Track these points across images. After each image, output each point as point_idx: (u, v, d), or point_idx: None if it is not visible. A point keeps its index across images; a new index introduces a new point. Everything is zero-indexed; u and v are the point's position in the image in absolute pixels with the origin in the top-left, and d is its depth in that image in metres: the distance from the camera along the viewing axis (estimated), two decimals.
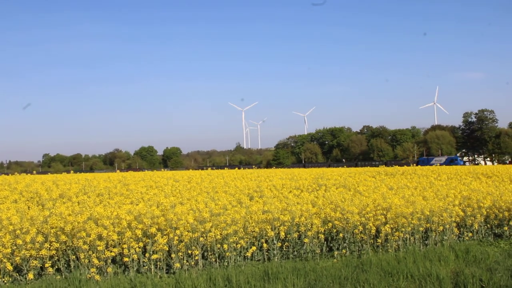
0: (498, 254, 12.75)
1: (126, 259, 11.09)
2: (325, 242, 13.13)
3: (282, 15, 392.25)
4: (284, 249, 12.63)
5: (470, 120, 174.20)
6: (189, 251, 11.48)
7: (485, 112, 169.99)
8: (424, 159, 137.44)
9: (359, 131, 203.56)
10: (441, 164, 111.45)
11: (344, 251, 12.74)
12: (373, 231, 12.85)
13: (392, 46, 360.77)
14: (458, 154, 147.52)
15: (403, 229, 12.97)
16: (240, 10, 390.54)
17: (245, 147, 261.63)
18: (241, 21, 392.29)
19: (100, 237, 11.13)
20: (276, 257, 12.37)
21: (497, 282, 10.26)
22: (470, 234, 14.48)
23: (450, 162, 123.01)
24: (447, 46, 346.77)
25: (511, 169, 34.44)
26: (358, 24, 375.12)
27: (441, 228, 13.69)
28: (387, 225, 12.79)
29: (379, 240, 12.94)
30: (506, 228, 14.86)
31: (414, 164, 41.01)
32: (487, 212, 15.02)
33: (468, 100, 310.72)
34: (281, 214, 12.77)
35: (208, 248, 11.82)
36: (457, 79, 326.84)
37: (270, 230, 12.34)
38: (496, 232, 15.15)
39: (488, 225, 15.13)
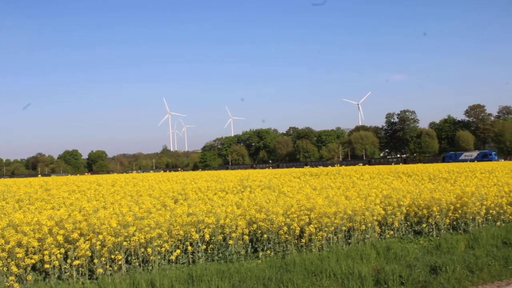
0: (417, 251, 13.13)
1: (47, 266, 10.78)
2: (250, 243, 13.17)
3: (205, 17, 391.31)
4: (209, 251, 12.59)
5: (392, 120, 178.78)
6: (112, 256, 11.27)
7: (406, 113, 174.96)
8: (451, 155, 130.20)
9: (285, 132, 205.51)
10: (471, 160, 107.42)
11: (268, 252, 12.82)
12: (297, 231, 12.99)
13: (318, 46, 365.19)
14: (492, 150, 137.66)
15: (326, 229, 13.16)
16: (160, 13, 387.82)
17: (172, 150, 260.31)
18: (164, 23, 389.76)
19: (19, 244, 10.80)
20: (201, 260, 12.32)
21: (416, 278, 10.60)
22: (391, 232, 14.81)
23: (483, 157, 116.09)
24: (371, 47, 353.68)
25: (431, 168, 35.49)
26: (278, 23, 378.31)
27: (363, 226, 13.94)
28: (311, 225, 12.94)
29: (303, 240, 13.06)
30: (425, 225, 15.27)
31: (338, 165, 41.50)
32: (407, 210, 15.42)
33: (391, 101, 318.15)
34: (205, 217, 12.71)
35: (132, 252, 11.64)
36: (381, 80, 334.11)
37: (194, 232, 12.28)
38: (416, 229, 15.54)
39: (408, 223, 15.52)
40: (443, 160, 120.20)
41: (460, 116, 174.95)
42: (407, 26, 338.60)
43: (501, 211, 16.33)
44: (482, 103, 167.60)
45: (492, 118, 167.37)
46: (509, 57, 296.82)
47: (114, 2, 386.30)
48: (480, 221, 15.84)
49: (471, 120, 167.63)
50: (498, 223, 16.00)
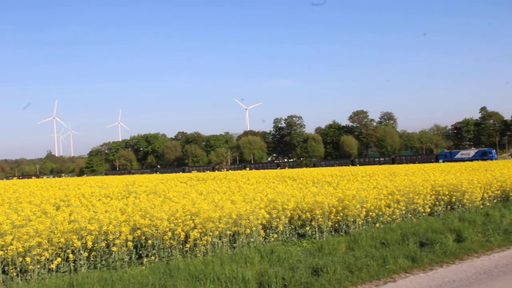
0: (300, 253, 13.36)
1: None
2: (135, 250, 12.94)
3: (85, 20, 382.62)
4: (92, 258, 12.28)
5: (280, 125, 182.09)
6: None
7: (293, 118, 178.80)
8: (446, 153, 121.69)
9: (174, 137, 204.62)
10: (468, 159, 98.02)
11: (153, 258, 12.64)
12: (182, 236, 12.89)
13: (205, 50, 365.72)
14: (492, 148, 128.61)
15: (211, 233, 13.15)
16: (41, 12, 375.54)
17: (57, 155, 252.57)
18: (48, 24, 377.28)
19: None
20: (83, 268, 11.99)
21: (298, 279, 10.81)
22: (275, 235, 14.97)
23: (482, 156, 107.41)
24: (260, 54, 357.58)
25: (315, 172, 36.40)
26: (156, 28, 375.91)
27: (248, 230, 14.03)
28: (196, 230, 12.89)
29: (188, 245, 13.00)
30: (308, 228, 15.57)
31: (225, 170, 41.85)
32: (291, 214, 15.63)
33: (279, 106, 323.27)
34: (88, 223, 12.39)
35: (9, 262, 11.16)
36: (269, 85, 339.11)
37: (76, 240, 11.92)
38: (300, 232, 15.83)
39: (292, 226, 15.76)
40: (437, 159, 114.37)
41: (344, 121, 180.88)
42: (295, 33, 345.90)
43: (380, 213, 16.91)
44: (365, 109, 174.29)
45: (375, 124, 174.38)
46: (388, 64, 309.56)
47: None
48: (360, 223, 16.34)
49: (354, 125, 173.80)
50: (377, 225, 16.55)
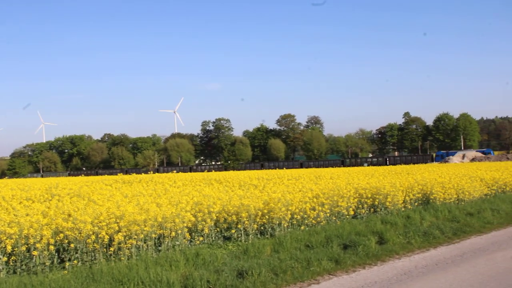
0: (226, 256, 13.37)
1: None
2: (57, 254, 12.67)
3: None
4: (11, 263, 11.94)
5: (208, 128, 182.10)
6: None
7: (221, 121, 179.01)
8: (443, 154, 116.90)
9: (100, 139, 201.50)
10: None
11: (75, 262, 12.38)
12: (106, 239, 12.70)
13: (131, 53, 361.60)
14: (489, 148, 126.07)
15: (136, 237, 13.00)
16: None
17: None
18: None
19: None
20: (1, 273, 11.65)
21: (223, 282, 10.84)
22: (201, 238, 14.92)
23: None
24: (188, 59, 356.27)
25: (241, 175, 36.58)
26: (88, 30, 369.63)
27: (173, 233, 13.93)
28: (120, 233, 12.70)
29: (112, 249, 12.80)
30: (234, 231, 15.58)
31: (152, 172, 41.59)
32: (217, 217, 15.62)
33: (207, 109, 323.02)
34: (8, 227, 12.05)
35: None
36: (197, 89, 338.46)
37: None
38: (226, 235, 15.83)
39: (218, 229, 15.76)
40: (433, 160, 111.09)
41: (272, 125, 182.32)
42: (223, 37, 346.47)
43: (305, 215, 17.06)
44: (293, 113, 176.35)
45: (302, 128, 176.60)
46: (319, 70, 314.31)
47: None
48: (285, 225, 16.43)
49: (282, 129, 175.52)
50: (302, 227, 16.70)
